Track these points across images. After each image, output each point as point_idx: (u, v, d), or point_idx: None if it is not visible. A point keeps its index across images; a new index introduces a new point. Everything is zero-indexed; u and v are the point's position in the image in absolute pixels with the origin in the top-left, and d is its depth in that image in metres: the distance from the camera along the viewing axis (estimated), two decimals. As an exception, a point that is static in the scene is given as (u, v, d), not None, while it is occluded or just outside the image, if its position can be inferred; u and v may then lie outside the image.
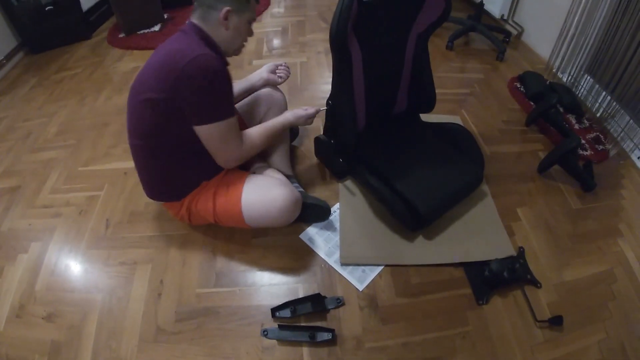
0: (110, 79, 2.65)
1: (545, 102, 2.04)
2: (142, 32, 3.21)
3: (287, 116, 1.48)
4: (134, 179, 1.72)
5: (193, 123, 1.21)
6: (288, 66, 1.67)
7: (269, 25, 3.23)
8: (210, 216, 1.42)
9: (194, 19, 1.24)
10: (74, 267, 1.52)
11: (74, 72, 2.77)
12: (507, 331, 1.29)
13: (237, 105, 1.65)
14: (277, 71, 1.65)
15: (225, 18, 1.22)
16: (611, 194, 1.79)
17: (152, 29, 3.23)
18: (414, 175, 1.57)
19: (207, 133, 1.23)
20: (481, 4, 2.90)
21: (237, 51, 1.34)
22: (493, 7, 3.05)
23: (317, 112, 1.52)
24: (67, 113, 2.34)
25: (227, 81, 1.22)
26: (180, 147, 1.28)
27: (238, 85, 1.62)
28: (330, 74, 1.51)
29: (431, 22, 1.55)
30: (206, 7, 1.21)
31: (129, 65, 2.80)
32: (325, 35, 3.01)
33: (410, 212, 1.47)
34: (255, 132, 1.38)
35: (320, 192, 1.73)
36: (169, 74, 1.13)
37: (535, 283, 1.41)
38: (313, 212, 1.57)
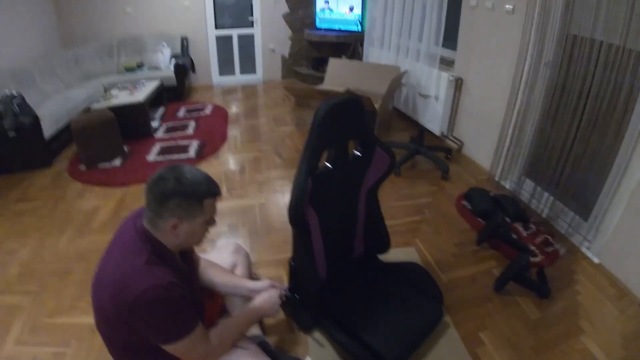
0: (72, 218, 2.61)
1: (491, 221, 2.19)
2: (102, 165, 3.24)
3: (256, 310, 1.41)
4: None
5: (155, 343, 1.17)
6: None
7: (226, 164, 3.35)
8: None
9: (145, 222, 1.16)
10: None
11: (35, 204, 2.75)
12: None
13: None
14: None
15: (174, 228, 1.13)
16: (567, 293, 1.88)
17: (113, 163, 3.28)
18: (378, 322, 1.61)
19: (172, 349, 1.17)
20: (422, 131, 3.23)
21: (196, 244, 1.27)
22: (433, 125, 3.42)
23: (284, 294, 1.49)
24: (28, 252, 2.28)
25: (180, 301, 1.13)
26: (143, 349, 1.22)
27: (237, 283, 1.52)
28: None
29: (379, 176, 1.72)
30: (154, 214, 1.13)
31: (90, 203, 2.78)
32: (281, 173, 3.15)
33: (379, 362, 1.48)
34: (225, 331, 1.32)
35: (290, 346, 1.69)
36: (121, 310, 1.09)
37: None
38: None
